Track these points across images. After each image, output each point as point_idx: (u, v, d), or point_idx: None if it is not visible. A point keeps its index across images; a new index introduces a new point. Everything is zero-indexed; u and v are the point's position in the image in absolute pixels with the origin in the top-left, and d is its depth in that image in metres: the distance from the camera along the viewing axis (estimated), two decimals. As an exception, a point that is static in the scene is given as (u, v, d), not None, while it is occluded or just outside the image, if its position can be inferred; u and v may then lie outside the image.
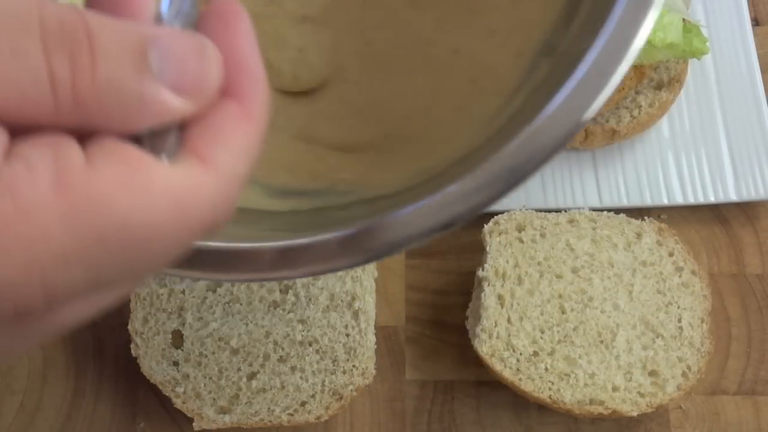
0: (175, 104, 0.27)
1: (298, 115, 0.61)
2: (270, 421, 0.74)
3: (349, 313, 0.77)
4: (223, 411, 0.74)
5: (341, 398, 0.74)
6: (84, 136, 0.27)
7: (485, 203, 0.44)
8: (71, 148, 0.26)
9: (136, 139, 0.27)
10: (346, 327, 0.76)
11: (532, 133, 0.43)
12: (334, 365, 0.75)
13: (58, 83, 0.25)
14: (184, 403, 0.74)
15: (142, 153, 0.27)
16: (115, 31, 0.26)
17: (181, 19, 0.30)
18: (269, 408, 0.74)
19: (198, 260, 0.41)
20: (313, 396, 0.74)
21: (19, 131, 0.26)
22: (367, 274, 0.79)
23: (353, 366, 0.75)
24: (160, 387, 0.76)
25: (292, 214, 0.54)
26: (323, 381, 0.75)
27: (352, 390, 0.74)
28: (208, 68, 0.28)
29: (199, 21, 0.31)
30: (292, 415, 0.74)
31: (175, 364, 0.76)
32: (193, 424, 0.74)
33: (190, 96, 0.28)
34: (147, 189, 0.26)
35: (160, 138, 0.28)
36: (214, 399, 0.75)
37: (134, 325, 0.78)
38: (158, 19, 0.29)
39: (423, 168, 0.53)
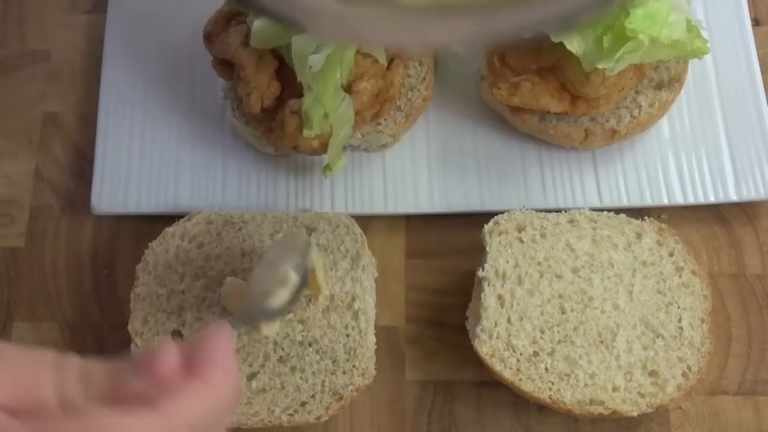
0: None
1: None
2: (270, 422, 0.74)
3: (349, 313, 0.77)
4: None
5: (341, 398, 0.74)
6: None
7: None
8: None
9: None
10: (346, 327, 0.76)
11: None
12: (334, 365, 0.75)
13: None
14: None
15: None
16: None
17: None
18: (269, 408, 0.74)
19: None
20: (313, 396, 0.74)
21: None
22: (367, 275, 0.79)
23: (353, 366, 0.75)
24: None
25: None
26: (323, 381, 0.75)
27: (352, 390, 0.74)
28: None
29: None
30: (292, 415, 0.74)
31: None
32: None
33: None
34: None
35: None
36: None
37: (134, 325, 0.78)
38: None
39: None
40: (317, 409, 0.74)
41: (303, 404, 0.74)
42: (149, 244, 0.80)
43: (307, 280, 0.71)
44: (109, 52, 0.95)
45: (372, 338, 0.77)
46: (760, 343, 0.84)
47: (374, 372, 0.76)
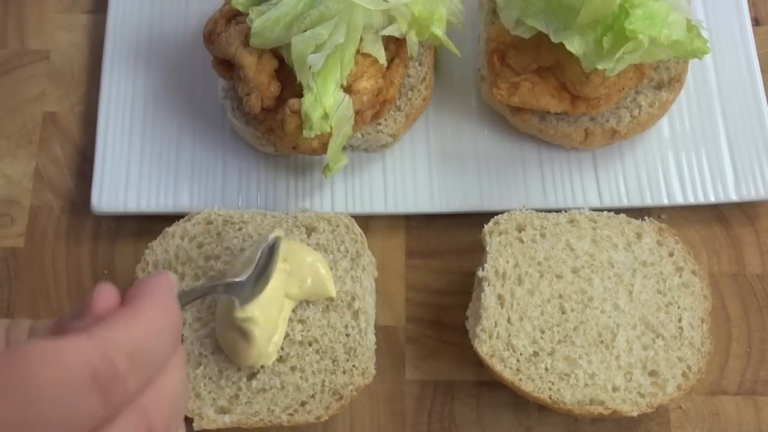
0: None
1: None
2: (270, 421, 0.74)
3: (348, 313, 0.77)
4: (223, 411, 0.74)
5: (341, 398, 0.74)
6: None
7: None
8: None
9: None
10: (345, 327, 0.76)
11: None
12: (334, 365, 0.75)
13: None
14: None
15: None
16: None
17: None
18: (269, 408, 0.74)
19: None
20: (313, 396, 0.74)
21: None
22: (367, 274, 0.79)
23: (353, 366, 0.75)
24: None
25: None
26: (323, 381, 0.75)
27: (352, 390, 0.74)
28: None
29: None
30: (292, 415, 0.74)
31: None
32: (193, 424, 0.74)
33: None
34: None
35: None
36: (214, 399, 0.75)
37: None
38: None
39: None
40: (317, 409, 0.74)
41: (303, 404, 0.74)
42: (149, 244, 0.80)
43: (270, 256, 0.71)
44: (109, 52, 0.95)
45: (372, 338, 0.77)
46: (760, 343, 0.84)
47: (374, 372, 0.76)
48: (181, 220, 0.81)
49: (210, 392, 0.75)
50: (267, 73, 0.80)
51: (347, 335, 0.76)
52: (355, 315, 0.77)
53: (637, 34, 0.74)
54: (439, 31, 0.82)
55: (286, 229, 0.80)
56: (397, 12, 0.79)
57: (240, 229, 0.80)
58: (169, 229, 0.81)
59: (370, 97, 0.81)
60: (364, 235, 0.80)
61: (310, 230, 0.80)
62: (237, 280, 0.69)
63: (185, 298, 0.62)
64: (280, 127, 0.80)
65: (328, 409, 0.74)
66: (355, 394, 0.74)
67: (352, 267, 0.78)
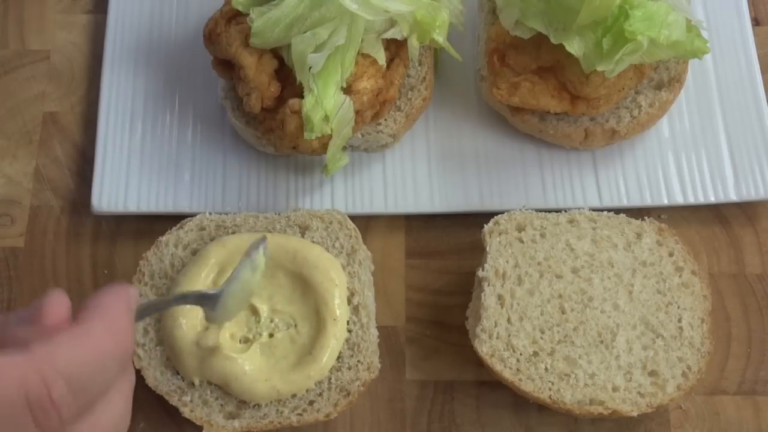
0: None
1: None
2: (279, 423, 0.73)
3: (349, 308, 0.77)
4: (231, 416, 0.74)
5: (348, 394, 0.74)
6: None
7: None
8: None
9: None
10: (347, 323, 0.76)
11: None
12: (338, 362, 0.75)
13: None
14: (192, 411, 0.74)
15: None
16: None
17: None
18: (278, 409, 0.74)
19: None
20: (320, 394, 0.74)
21: None
22: (364, 269, 0.79)
23: (358, 361, 0.75)
24: (167, 398, 0.75)
25: None
26: (329, 378, 0.74)
27: (358, 385, 0.74)
28: None
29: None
30: (300, 414, 0.73)
31: (180, 372, 0.76)
32: (203, 431, 0.74)
33: None
34: None
35: None
36: (222, 405, 0.74)
37: (135, 336, 0.76)
38: None
39: None
40: (326, 407, 0.73)
41: (311, 403, 0.74)
42: (144, 254, 0.80)
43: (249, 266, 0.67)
44: (109, 52, 0.95)
45: (374, 332, 0.77)
46: (760, 343, 0.84)
47: (379, 365, 0.75)
48: (174, 227, 0.81)
49: (217, 398, 0.74)
50: (267, 73, 0.80)
51: (349, 331, 0.76)
52: (356, 310, 0.76)
53: (636, 35, 0.74)
54: (440, 38, 0.82)
55: (279, 230, 0.80)
56: (399, 16, 0.79)
57: (233, 233, 0.80)
58: (162, 238, 0.80)
59: (370, 97, 0.81)
60: (357, 230, 0.80)
61: (303, 229, 0.80)
62: (210, 292, 0.66)
63: (152, 309, 0.62)
64: (280, 127, 0.80)
65: (337, 406, 0.73)
66: (362, 389, 0.74)
67: (348, 263, 0.78)
